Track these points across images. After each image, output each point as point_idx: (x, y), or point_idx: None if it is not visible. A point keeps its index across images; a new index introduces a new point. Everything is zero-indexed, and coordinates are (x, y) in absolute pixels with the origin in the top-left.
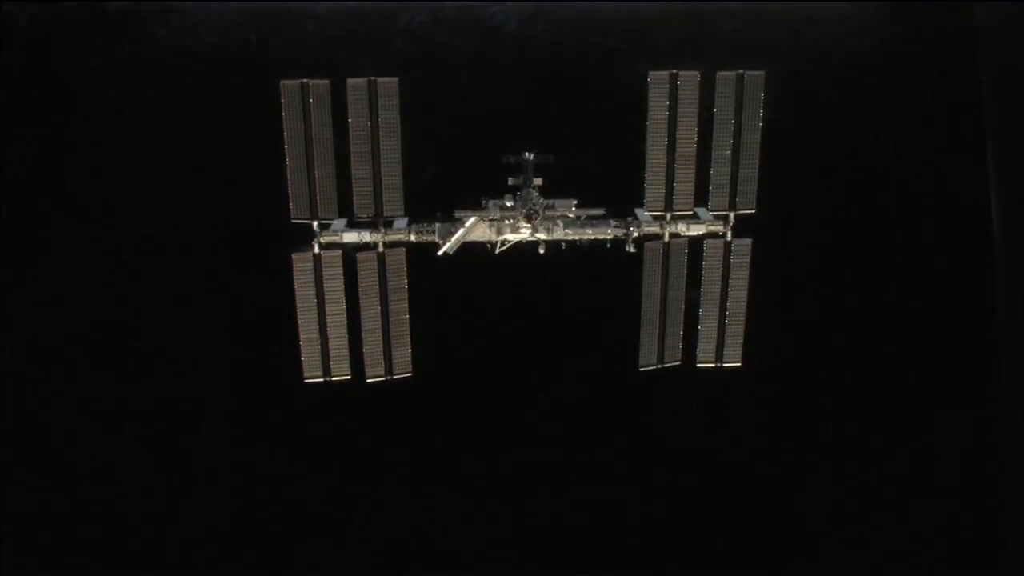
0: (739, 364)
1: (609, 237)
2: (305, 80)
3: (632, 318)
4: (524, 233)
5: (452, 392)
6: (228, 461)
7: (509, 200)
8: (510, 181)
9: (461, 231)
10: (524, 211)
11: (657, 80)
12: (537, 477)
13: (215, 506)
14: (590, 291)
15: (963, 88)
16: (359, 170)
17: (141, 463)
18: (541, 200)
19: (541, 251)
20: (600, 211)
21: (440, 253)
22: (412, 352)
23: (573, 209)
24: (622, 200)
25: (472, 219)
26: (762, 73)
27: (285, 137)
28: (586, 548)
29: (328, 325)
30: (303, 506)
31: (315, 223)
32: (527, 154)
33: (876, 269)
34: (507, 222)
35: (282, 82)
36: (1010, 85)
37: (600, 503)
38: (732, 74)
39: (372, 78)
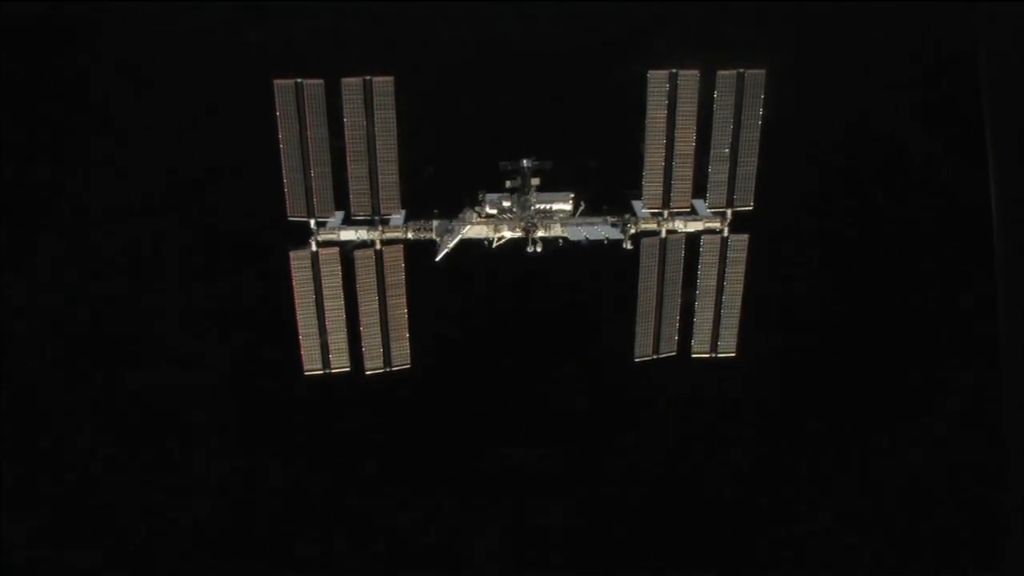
0: (734, 354)
1: (605, 236)
2: (299, 79)
3: (629, 314)
4: (521, 232)
5: (451, 384)
6: (227, 456)
7: (507, 200)
8: (507, 184)
9: (458, 235)
10: (522, 223)
11: (656, 79)
12: (534, 470)
13: (215, 502)
14: (587, 287)
15: (962, 87)
16: (355, 169)
17: (138, 460)
18: (538, 205)
19: (539, 249)
20: (599, 219)
21: (438, 259)
22: (410, 345)
23: (569, 202)
24: (620, 198)
25: (467, 226)
26: (762, 72)
27: (280, 136)
28: (585, 545)
29: (327, 320)
30: (302, 501)
31: (312, 221)
32: (524, 161)
33: (874, 267)
34: (503, 223)
35: (275, 81)
36: (1010, 85)
37: (598, 497)
38: (732, 73)
39: (367, 77)
